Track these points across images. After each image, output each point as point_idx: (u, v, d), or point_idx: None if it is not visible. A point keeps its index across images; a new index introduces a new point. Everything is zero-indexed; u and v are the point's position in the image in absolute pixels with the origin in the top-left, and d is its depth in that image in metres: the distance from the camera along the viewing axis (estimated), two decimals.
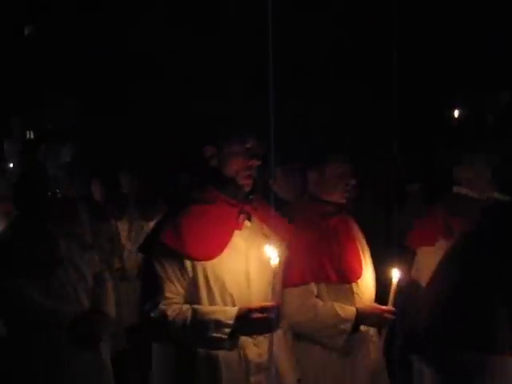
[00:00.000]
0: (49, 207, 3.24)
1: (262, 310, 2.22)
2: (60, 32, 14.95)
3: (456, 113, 12.55)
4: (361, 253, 2.95)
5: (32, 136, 15.79)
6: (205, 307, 2.27)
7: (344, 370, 2.82)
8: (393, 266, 2.78)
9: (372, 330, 2.90)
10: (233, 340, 2.25)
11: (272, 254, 2.21)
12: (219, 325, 2.20)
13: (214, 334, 2.20)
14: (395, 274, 2.74)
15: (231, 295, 2.30)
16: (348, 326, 2.76)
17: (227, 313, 2.24)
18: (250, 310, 2.23)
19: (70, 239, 3.29)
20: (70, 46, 14.79)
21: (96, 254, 3.45)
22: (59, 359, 3.09)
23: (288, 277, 2.56)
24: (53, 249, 3.19)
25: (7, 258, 3.17)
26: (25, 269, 3.10)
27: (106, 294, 3.30)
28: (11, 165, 14.32)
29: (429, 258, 3.16)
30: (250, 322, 2.21)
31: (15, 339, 3.20)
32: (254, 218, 2.44)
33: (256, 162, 2.39)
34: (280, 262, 2.24)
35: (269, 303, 2.25)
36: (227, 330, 2.20)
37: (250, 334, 2.30)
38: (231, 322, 2.21)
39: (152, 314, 2.27)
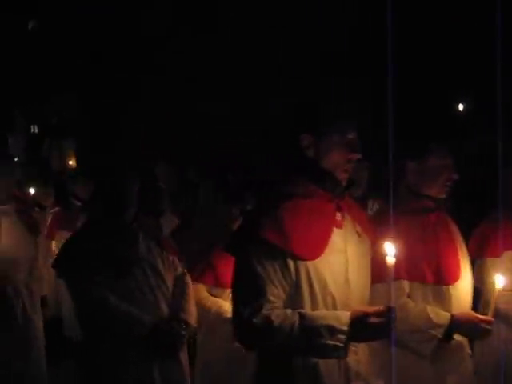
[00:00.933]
0: (133, 203, 2.99)
1: (379, 314, 2.02)
2: (63, 26, 14.87)
3: (461, 106, 12.55)
4: (460, 254, 2.73)
5: (36, 130, 15.70)
6: (311, 312, 2.08)
7: (432, 379, 2.62)
8: (496, 272, 2.54)
9: (467, 342, 2.68)
10: (347, 347, 2.03)
11: (390, 250, 2.03)
12: (333, 331, 2.01)
13: (329, 342, 2.00)
14: (499, 281, 2.47)
15: (333, 297, 2.12)
16: (440, 333, 2.56)
17: (340, 318, 2.04)
18: (367, 315, 2.02)
19: (150, 239, 3.07)
20: (73, 40, 14.72)
21: (177, 255, 3.19)
22: (135, 366, 2.92)
23: (379, 271, 2.25)
24: (131, 247, 2.97)
25: (83, 256, 2.94)
26: (100, 267, 2.89)
27: (186, 300, 3.08)
28: (16, 159, 14.24)
29: (494, 272, 2.81)
30: (366, 327, 2.02)
31: (91, 345, 3.00)
32: (347, 216, 2.24)
33: (356, 156, 2.17)
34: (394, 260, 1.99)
35: (384, 306, 2.03)
36: (342, 337, 2.01)
37: (364, 340, 2.13)
38: (345, 328, 2.01)
39: (254, 320, 2.03)
